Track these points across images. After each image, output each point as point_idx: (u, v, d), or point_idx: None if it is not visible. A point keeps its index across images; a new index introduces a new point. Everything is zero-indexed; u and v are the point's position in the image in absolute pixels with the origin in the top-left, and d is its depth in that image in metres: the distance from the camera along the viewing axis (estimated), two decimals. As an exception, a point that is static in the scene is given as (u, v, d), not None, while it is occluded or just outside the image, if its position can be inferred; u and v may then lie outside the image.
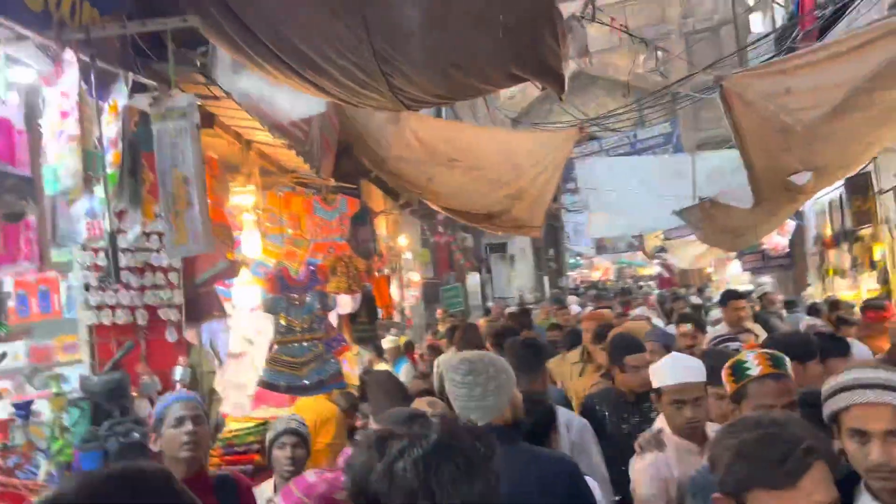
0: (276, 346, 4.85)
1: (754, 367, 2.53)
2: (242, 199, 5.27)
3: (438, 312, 12.50)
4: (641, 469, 2.97)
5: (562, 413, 3.45)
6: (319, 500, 2.39)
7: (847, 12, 7.28)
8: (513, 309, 14.31)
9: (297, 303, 4.82)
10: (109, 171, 2.72)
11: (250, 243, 5.10)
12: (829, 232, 9.81)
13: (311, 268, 5.01)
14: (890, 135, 5.09)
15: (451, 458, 1.39)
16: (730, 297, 6.23)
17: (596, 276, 45.83)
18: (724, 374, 2.63)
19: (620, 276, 46.01)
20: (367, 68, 2.86)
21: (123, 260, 3.60)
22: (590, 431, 3.73)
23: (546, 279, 30.93)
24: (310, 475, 2.55)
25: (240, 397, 5.31)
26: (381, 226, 10.52)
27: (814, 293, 11.48)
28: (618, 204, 10.93)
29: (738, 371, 2.57)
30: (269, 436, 3.65)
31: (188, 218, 2.74)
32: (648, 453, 2.95)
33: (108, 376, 3.43)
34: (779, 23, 17.19)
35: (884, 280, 7.53)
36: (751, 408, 2.42)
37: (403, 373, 8.08)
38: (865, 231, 8.11)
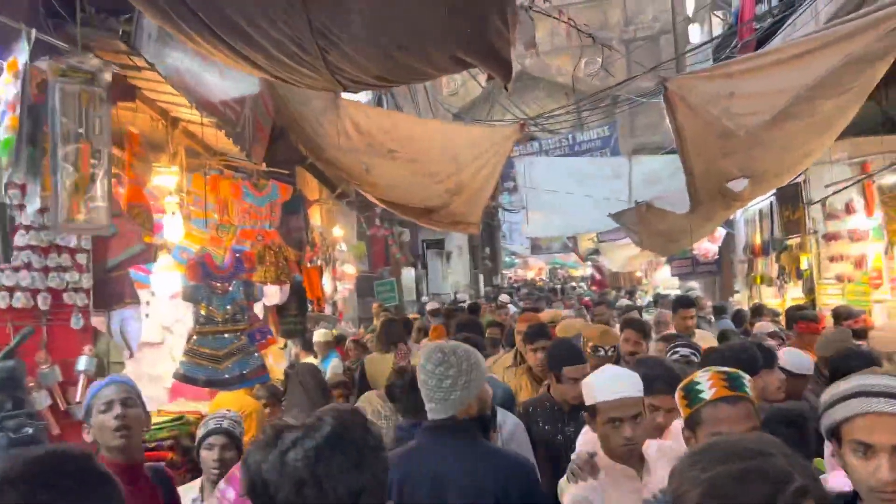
0: (195, 337, 4.57)
1: (707, 389, 2.22)
2: (165, 179, 4.96)
3: (374, 307, 12.29)
4: (572, 501, 2.62)
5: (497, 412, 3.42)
6: None
7: (784, 26, 7.42)
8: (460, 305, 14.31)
9: (219, 292, 4.54)
10: (4, 136, 2.43)
11: (172, 227, 4.80)
12: (758, 241, 10.05)
13: (237, 255, 4.74)
14: (826, 144, 5.17)
15: (342, 450, 1.45)
16: (680, 304, 6.10)
17: (530, 275, 46.40)
18: (677, 395, 2.35)
19: (553, 276, 46.70)
20: (302, 42, 2.65)
21: (24, 238, 3.28)
22: (523, 431, 3.70)
23: (481, 277, 31.06)
24: None
25: (155, 390, 5.01)
26: (316, 215, 10.24)
27: (741, 300, 11.76)
28: (555, 204, 10.94)
29: (691, 394, 2.26)
30: (199, 433, 3.45)
31: (89, 194, 2.47)
32: (581, 482, 2.62)
33: None
34: (717, 33, 17.65)
35: (809, 289, 7.74)
36: (706, 436, 2.10)
37: (331, 368, 7.85)
38: (793, 241, 8.33)
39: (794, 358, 3.93)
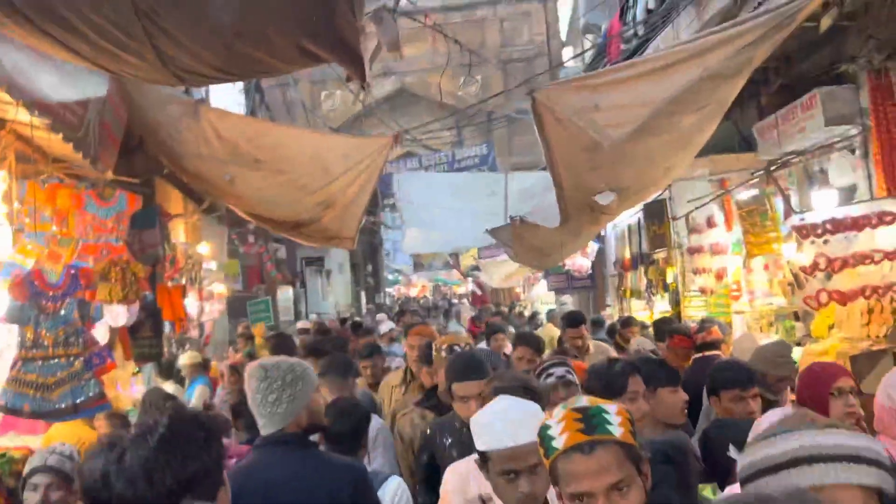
0: (19, 364, 4.05)
1: (558, 435, 1.70)
2: (-9, 187, 4.41)
3: (240, 327, 11.75)
4: None
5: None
6: None
7: (647, 46, 7.70)
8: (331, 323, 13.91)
9: (49, 312, 4.05)
10: None
11: (-1, 240, 4.26)
12: (627, 255, 10.38)
13: (73, 271, 4.26)
14: (686, 160, 5.30)
15: (170, 447, 1.65)
16: (568, 324, 6.01)
17: (413, 292, 46.45)
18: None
19: (436, 293, 46.98)
20: (127, 27, 2.35)
21: None
22: (386, 432, 4.11)
23: (363, 295, 30.68)
24: None
25: (-22, 424, 4.41)
26: (178, 231, 9.64)
27: (612, 313, 12.10)
28: (433, 220, 10.85)
29: (545, 442, 1.75)
30: (25, 471, 3.03)
31: None
32: None
33: None
34: (588, 56, 18.41)
35: (675, 301, 8.01)
36: (567, 498, 1.68)
37: (198, 394, 7.34)
38: (660, 255, 8.63)
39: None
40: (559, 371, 3.65)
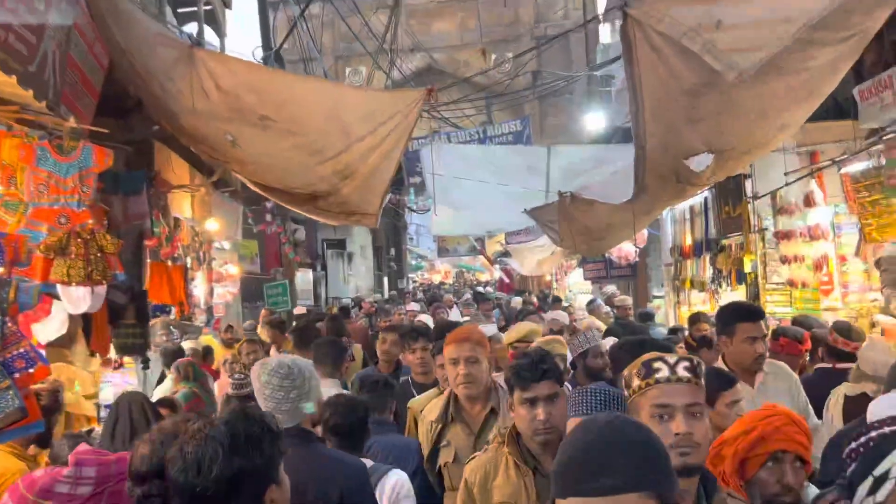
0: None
1: None
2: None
3: (262, 313, 10.81)
4: None
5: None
6: (41, 493, 2.27)
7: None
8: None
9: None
10: None
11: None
12: (687, 241, 9.17)
13: (-4, 242, 3.20)
14: (803, 116, 4.17)
15: (220, 441, 1.81)
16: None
17: (437, 279, 45.52)
18: None
19: (460, 279, 46.01)
20: None
21: None
22: (409, 491, 3.60)
23: (386, 280, 29.73)
24: (37, 472, 2.45)
25: None
26: (184, 205, 8.64)
27: (661, 305, 10.94)
28: (465, 198, 9.76)
29: None
30: None
31: None
32: None
33: None
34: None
35: (754, 295, 6.83)
36: None
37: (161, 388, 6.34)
38: (733, 240, 7.43)
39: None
40: None
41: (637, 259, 11.69)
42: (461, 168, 8.82)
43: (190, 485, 1.76)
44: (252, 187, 6.67)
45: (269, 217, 13.62)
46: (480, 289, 24.85)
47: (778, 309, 6.71)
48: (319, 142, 5.60)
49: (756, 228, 6.87)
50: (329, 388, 4.03)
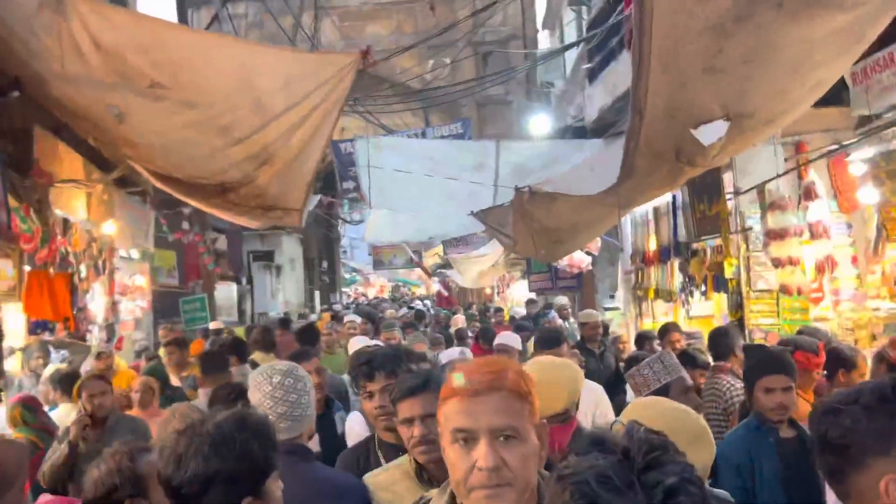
0: None
1: None
2: None
3: (161, 331, 9.55)
4: None
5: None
6: None
7: None
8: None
9: None
10: None
11: None
12: (652, 246, 8.35)
13: None
14: (839, 73, 3.38)
15: (200, 440, 1.79)
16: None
17: (371, 293, 44.24)
18: None
19: (396, 293, 44.88)
20: None
21: None
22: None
23: (318, 294, 28.33)
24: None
25: None
26: (75, 204, 7.36)
27: (615, 317, 10.16)
28: (406, 201, 8.76)
29: None
30: None
31: None
32: None
33: None
34: (568, 40, 16.53)
35: (737, 304, 6.02)
36: None
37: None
38: (704, 243, 6.64)
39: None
40: None
41: (590, 267, 10.88)
42: (401, 163, 7.83)
43: (167, 477, 1.79)
44: (148, 177, 5.53)
45: (185, 224, 12.24)
46: (419, 304, 23.75)
47: (763, 320, 5.94)
48: (227, 116, 4.52)
49: (738, 228, 6.12)
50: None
